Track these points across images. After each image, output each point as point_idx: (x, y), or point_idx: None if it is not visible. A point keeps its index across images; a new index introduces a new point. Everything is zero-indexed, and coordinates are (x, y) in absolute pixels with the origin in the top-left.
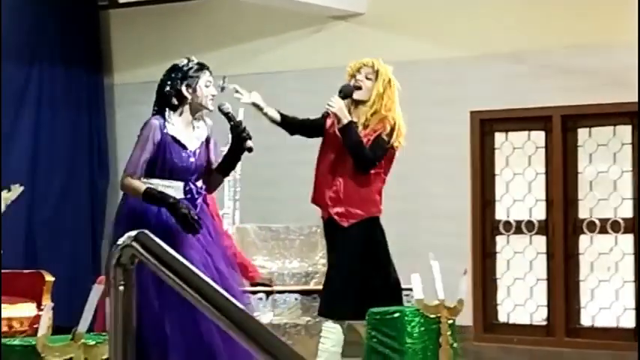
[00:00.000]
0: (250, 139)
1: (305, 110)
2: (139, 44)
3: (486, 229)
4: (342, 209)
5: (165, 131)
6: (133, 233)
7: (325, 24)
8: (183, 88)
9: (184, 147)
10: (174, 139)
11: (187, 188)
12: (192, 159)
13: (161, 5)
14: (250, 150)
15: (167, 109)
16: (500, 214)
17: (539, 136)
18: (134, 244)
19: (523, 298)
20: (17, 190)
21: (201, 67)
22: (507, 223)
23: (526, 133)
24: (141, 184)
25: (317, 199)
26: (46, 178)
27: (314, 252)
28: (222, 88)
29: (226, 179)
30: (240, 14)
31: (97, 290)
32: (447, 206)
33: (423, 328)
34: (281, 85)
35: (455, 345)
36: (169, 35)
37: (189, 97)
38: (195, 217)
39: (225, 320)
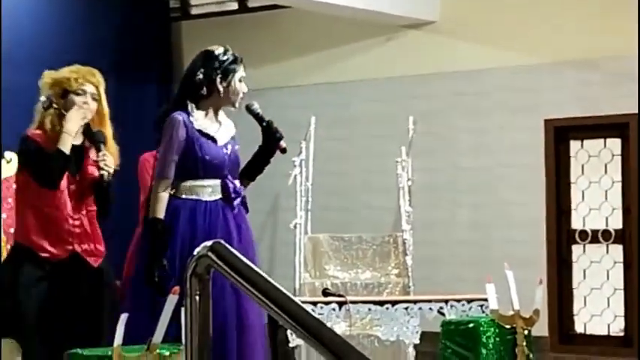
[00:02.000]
0: (283, 138)
1: (376, 119)
2: None
3: (562, 238)
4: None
5: (191, 126)
6: (208, 243)
7: (397, 33)
8: (218, 80)
9: (215, 141)
10: (202, 133)
11: (224, 186)
12: (225, 152)
13: (231, 17)
14: (284, 151)
15: (189, 101)
16: (576, 222)
17: (615, 144)
18: (210, 254)
19: (600, 308)
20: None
21: (238, 59)
22: (583, 232)
23: (602, 140)
24: (159, 208)
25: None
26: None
27: (387, 262)
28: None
29: (298, 188)
30: (311, 25)
31: (171, 300)
32: (522, 215)
33: (498, 339)
34: (352, 95)
35: (531, 356)
36: (240, 46)
37: (221, 90)
38: (161, 285)
39: (301, 330)
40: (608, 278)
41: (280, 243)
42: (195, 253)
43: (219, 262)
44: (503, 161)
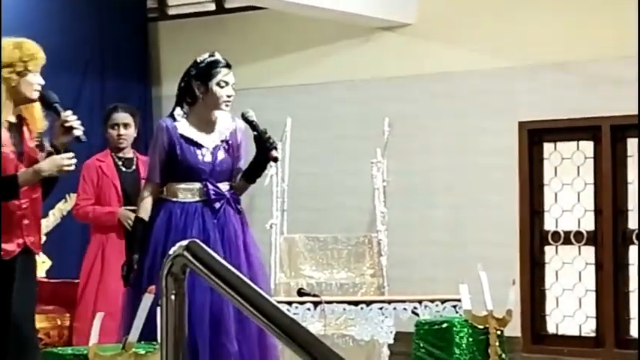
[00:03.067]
0: (276, 148)
1: (351, 121)
2: (188, 56)
3: (535, 239)
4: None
5: (175, 131)
6: (184, 242)
7: (373, 35)
8: (196, 86)
9: (199, 146)
10: (185, 138)
11: (205, 190)
12: (208, 159)
13: (209, 17)
14: (276, 160)
15: (179, 107)
16: (549, 224)
17: (588, 147)
18: (185, 253)
19: (572, 309)
20: (73, 199)
21: (217, 64)
22: (556, 234)
23: (575, 143)
24: (141, 209)
25: None
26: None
27: (361, 262)
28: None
29: (274, 189)
30: (288, 26)
31: (147, 299)
32: (496, 216)
33: (471, 339)
34: (328, 96)
35: (504, 356)
36: (217, 47)
37: (200, 95)
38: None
39: (276, 329)
40: (580, 279)
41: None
42: (170, 252)
43: (194, 261)
44: (477, 163)
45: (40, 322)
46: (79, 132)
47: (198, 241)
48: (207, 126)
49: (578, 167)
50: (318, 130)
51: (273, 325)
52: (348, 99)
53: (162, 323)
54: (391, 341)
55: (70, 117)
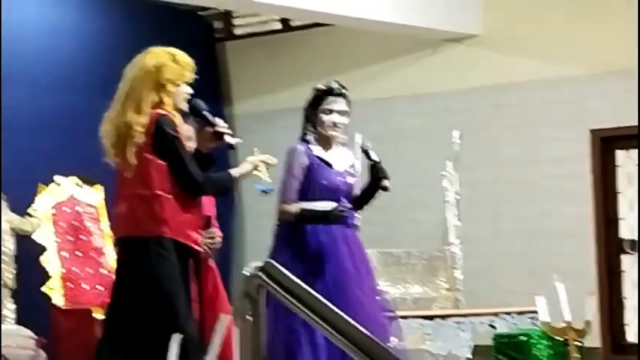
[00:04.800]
0: (387, 178)
1: (420, 134)
2: (256, 75)
3: (611, 248)
4: None
5: (311, 153)
6: (259, 263)
7: (440, 47)
8: (309, 113)
9: (331, 167)
10: (321, 159)
11: (336, 207)
12: (340, 179)
13: (274, 35)
14: (386, 189)
15: (309, 132)
16: (624, 232)
17: None
18: (260, 274)
19: None
20: None
21: (325, 92)
22: (632, 242)
23: None
24: (295, 208)
25: None
26: None
27: (436, 276)
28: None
29: None
30: (353, 41)
31: (224, 320)
32: (570, 226)
33: (550, 351)
34: (396, 110)
35: None
36: (283, 64)
37: (315, 122)
38: (342, 211)
39: (355, 349)
40: None
41: None
42: (245, 272)
43: (269, 281)
44: (548, 173)
45: None
46: (230, 139)
47: (272, 261)
48: (332, 149)
49: None
50: (386, 145)
51: (352, 344)
52: (416, 112)
53: (239, 345)
54: (469, 355)
55: (221, 124)
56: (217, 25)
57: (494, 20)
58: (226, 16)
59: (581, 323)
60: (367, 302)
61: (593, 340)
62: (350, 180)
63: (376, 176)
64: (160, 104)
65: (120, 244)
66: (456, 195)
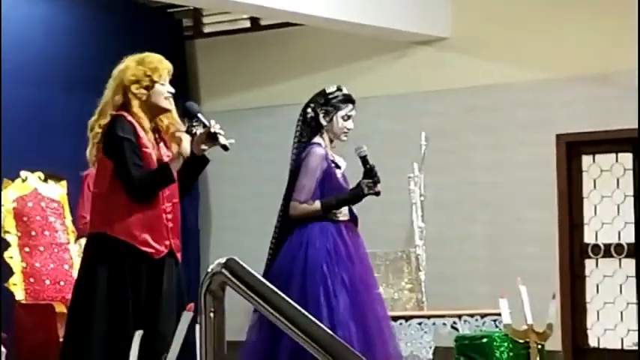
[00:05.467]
0: (379, 182)
1: (389, 135)
2: (225, 73)
3: (575, 252)
4: None
5: (327, 156)
6: (222, 260)
7: (408, 49)
8: (321, 115)
9: (340, 168)
10: (333, 162)
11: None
12: (343, 179)
13: (244, 34)
14: (378, 194)
15: (318, 134)
16: (588, 237)
17: (626, 158)
18: (224, 271)
19: (613, 322)
20: None
21: (346, 99)
22: (596, 247)
23: (613, 155)
24: (315, 204)
25: None
26: None
27: (400, 277)
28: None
29: None
30: (323, 42)
31: (186, 317)
32: (535, 230)
33: (512, 354)
34: (365, 112)
35: None
36: (252, 63)
37: (325, 125)
38: (366, 190)
39: (315, 346)
40: (621, 292)
41: None
42: (209, 270)
43: (232, 278)
44: (515, 176)
45: None
46: (224, 140)
47: (236, 258)
48: (334, 152)
49: (618, 179)
50: (356, 145)
51: (313, 341)
52: (385, 114)
53: (201, 342)
54: (431, 357)
55: (216, 125)
56: (186, 22)
57: (463, 23)
58: (196, 13)
59: (543, 326)
60: (370, 298)
61: (555, 343)
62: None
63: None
64: (126, 106)
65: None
66: (421, 197)
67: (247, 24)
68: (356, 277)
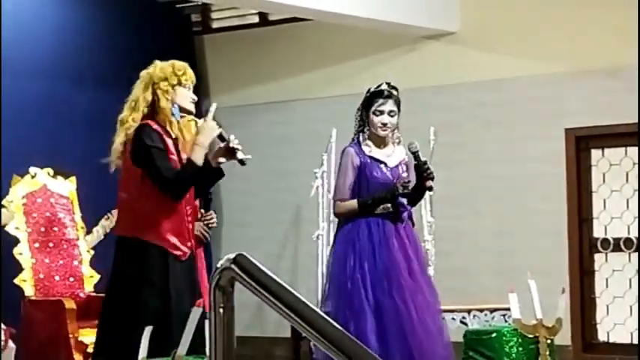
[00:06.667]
0: (432, 179)
1: (399, 130)
2: (234, 68)
3: (584, 246)
4: None
5: (362, 153)
6: (231, 256)
7: (417, 44)
8: (361, 114)
9: (385, 164)
10: (373, 158)
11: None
12: (389, 174)
13: (253, 30)
14: (431, 189)
15: (361, 133)
16: (598, 231)
17: (636, 152)
18: (233, 266)
19: (623, 316)
20: (116, 213)
21: (376, 94)
22: (605, 241)
23: (623, 149)
24: (352, 202)
25: None
26: None
27: None
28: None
29: (320, 200)
30: (331, 37)
31: (196, 313)
32: (544, 224)
33: (521, 348)
34: None
35: None
36: (261, 59)
37: (365, 121)
38: (400, 189)
39: (324, 341)
40: (630, 286)
41: (303, 254)
42: (218, 265)
43: (242, 274)
44: (524, 171)
45: (91, 336)
46: (242, 155)
47: (245, 254)
48: (384, 147)
49: (627, 173)
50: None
51: (321, 336)
52: None
53: (210, 337)
54: None
55: (235, 140)
56: (195, 18)
57: (472, 18)
58: (204, 9)
59: (552, 321)
60: (416, 291)
61: (564, 338)
62: (403, 175)
63: (422, 176)
64: (154, 103)
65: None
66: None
67: (256, 19)
68: (386, 274)
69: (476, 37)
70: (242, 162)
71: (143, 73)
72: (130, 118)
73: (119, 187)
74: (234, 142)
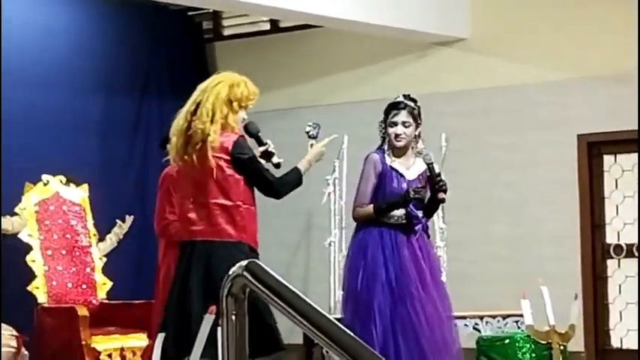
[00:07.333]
0: (445, 192)
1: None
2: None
3: (596, 253)
4: None
5: (384, 161)
6: (243, 263)
7: (428, 50)
8: (381, 127)
9: (403, 176)
10: (392, 168)
11: (407, 213)
12: (405, 186)
13: (264, 37)
14: (443, 201)
15: (384, 143)
16: (610, 237)
17: None
18: (245, 273)
19: (636, 323)
20: (129, 220)
21: (391, 106)
22: (618, 247)
23: (635, 155)
24: (369, 207)
25: None
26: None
27: None
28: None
29: (332, 207)
30: (343, 43)
31: (208, 320)
32: (556, 231)
33: (534, 355)
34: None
35: None
36: (272, 66)
37: (384, 132)
38: (412, 194)
39: (336, 348)
40: None
41: (315, 261)
42: (230, 272)
43: (254, 281)
44: (536, 177)
45: (103, 343)
46: (277, 158)
47: (257, 261)
48: (405, 159)
49: None
50: (374, 147)
51: (334, 343)
52: None
53: (222, 344)
54: None
55: (271, 145)
56: (206, 25)
57: (482, 24)
58: (215, 16)
59: (565, 327)
60: (427, 301)
61: (577, 344)
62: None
63: (434, 188)
64: (225, 118)
65: (192, 246)
66: None
67: (267, 26)
68: (398, 281)
69: (487, 44)
70: (277, 165)
71: (219, 81)
72: (212, 131)
73: (204, 193)
74: (271, 147)
